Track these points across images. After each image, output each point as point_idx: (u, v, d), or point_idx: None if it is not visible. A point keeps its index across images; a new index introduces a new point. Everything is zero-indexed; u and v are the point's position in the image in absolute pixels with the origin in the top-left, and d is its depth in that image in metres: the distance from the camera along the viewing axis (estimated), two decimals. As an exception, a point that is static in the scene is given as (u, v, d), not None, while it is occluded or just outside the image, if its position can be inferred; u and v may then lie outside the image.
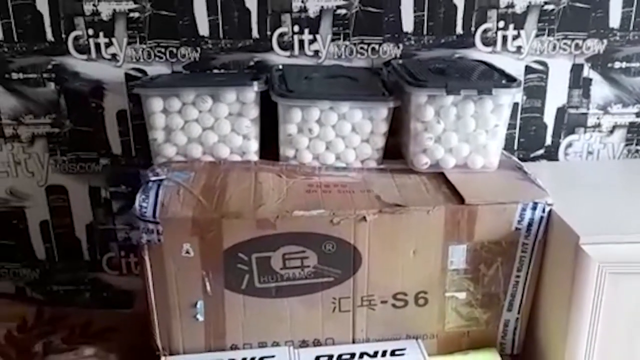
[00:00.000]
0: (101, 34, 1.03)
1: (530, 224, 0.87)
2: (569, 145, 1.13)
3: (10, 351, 0.93)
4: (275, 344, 0.91)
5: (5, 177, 1.11)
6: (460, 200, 0.86)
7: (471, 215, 0.86)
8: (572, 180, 1.05)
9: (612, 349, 0.84)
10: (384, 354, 0.90)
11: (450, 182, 0.91)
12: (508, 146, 1.12)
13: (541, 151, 1.14)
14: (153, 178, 0.87)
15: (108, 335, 0.98)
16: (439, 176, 0.94)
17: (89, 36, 1.03)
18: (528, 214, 0.87)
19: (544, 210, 0.87)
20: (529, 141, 1.13)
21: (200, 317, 0.88)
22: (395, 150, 1.00)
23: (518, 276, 0.91)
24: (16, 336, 0.97)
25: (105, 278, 1.20)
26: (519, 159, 1.10)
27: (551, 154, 1.14)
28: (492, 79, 0.94)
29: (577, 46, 1.07)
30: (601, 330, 0.83)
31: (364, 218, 0.84)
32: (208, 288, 0.87)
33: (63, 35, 1.03)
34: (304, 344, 0.92)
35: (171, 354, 0.90)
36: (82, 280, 1.19)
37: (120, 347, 0.96)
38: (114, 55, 1.04)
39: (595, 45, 1.07)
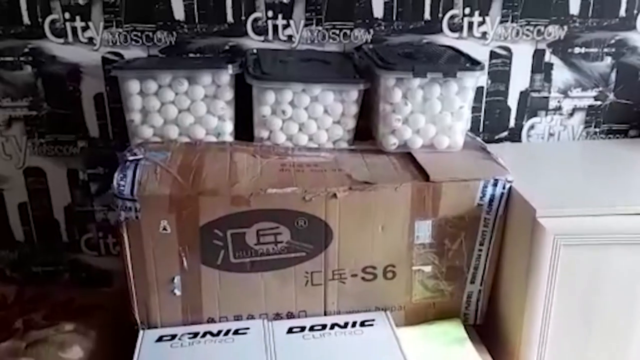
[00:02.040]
0: (78, 17, 1.04)
1: (491, 200, 0.92)
2: (532, 127, 1.19)
3: (-9, 327, 0.96)
4: (250, 317, 0.95)
5: (-18, 160, 1.13)
6: (426, 177, 0.91)
7: (436, 191, 0.91)
8: (533, 160, 1.10)
9: (568, 318, 0.89)
10: (353, 324, 0.94)
11: (418, 161, 0.96)
12: (474, 128, 1.17)
13: (505, 133, 1.19)
14: (131, 158, 0.90)
15: (88, 312, 1.01)
16: (407, 156, 0.98)
17: (65, 20, 1.05)
18: (489, 191, 0.92)
19: (504, 187, 0.92)
20: (494, 123, 1.18)
21: (178, 292, 0.92)
22: (366, 132, 1.04)
23: (480, 250, 0.96)
24: (-3, 313, 0.99)
25: (84, 259, 1.22)
26: (484, 140, 1.15)
27: (514, 136, 1.19)
28: (458, 63, 0.98)
29: (539, 32, 1.12)
30: (557, 299, 0.88)
31: (335, 195, 0.88)
32: (185, 263, 0.90)
33: (39, 19, 1.04)
34: (277, 317, 0.96)
35: (149, 328, 0.93)
36: (62, 261, 1.22)
37: (100, 324, 0.99)
38: (90, 39, 1.06)
39: (556, 32, 1.12)
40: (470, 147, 1.02)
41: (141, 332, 0.92)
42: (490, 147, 1.02)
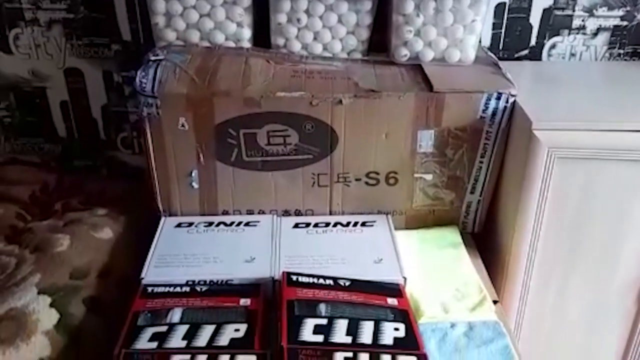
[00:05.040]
0: None
1: (494, 114, 0.95)
2: (553, 46, 1.18)
3: (34, 209, 1.08)
4: (261, 212, 1.04)
5: (27, 58, 1.21)
6: (430, 88, 0.94)
7: (439, 102, 0.94)
8: (549, 79, 1.10)
9: (558, 230, 0.93)
10: (355, 224, 1.01)
11: (426, 73, 0.98)
12: (493, 45, 1.17)
13: (525, 52, 1.18)
14: (153, 58, 0.97)
15: (119, 201, 1.12)
16: (417, 68, 1.01)
17: None
18: (492, 104, 0.94)
19: (507, 101, 0.94)
20: (514, 41, 1.17)
21: (195, 185, 1.00)
22: (383, 45, 1.06)
23: (481, 162, 1.00)
24: (39, 197, 1.11)
25: (120, 156, 1.32)
26: (503, 58, 1.16)
27: (535, 55, 1.19)
28: (472, -26, 0.98)
29: (566, -54, 1.09)
30: (548, 211, 0.92)
31: (340, 101, 0.93)
32: (201, 159, 0.98)
33: None
34: (286, 213, 1.04)
35: (170, 215, 1.03)
36: (100, 157, 1.32)
37: (128, 211, 1.09)
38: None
39: (585, -54, 1.09)
40: (482, 62, 1.03)
41: (163, 218, 1.03)
42: (508, 65, 1.02)
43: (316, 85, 0.95)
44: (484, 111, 0.95)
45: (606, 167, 0.87)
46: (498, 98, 0.94)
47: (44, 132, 1.30)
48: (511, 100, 0.94)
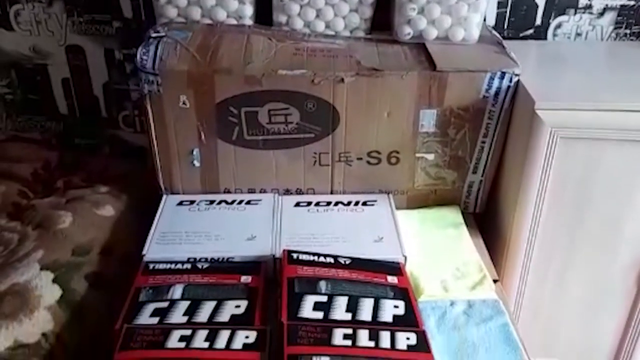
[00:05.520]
0: None
1: (497, 93, 0.94)
2: (558, 26, 1.16)
3: (36, 186, 1.08)
4: (263, 191, 1.04)
5: (28, 35, 1.21)
6: (433, 67, 0.93)
7: (442, 81, 0.93)
8: (554, 58, 1.09)
9: (560, 210, 0.93)
10: (356, 203, 1.01)
11: (429, 52, 0.98)
12: (498, 25, 1.16)
13: (530, 31, 1.17)
14: (153, 35, 0.96)
15: (121, 179, 1.12)
16: (420, 46, 1.00)
17: None
18: (496, 83, 0.94)
19: (511, 80, 0.93)
20: (519, 20, 1.16)
21: (197, 163, 1.00)
22: (387, 23, 1.05)
23: (484, 142, 0.99)
24: (41, 174, 1.11)
25: (121, 134, 1.32)
26: (508, 37, 1.15)
27: (540, 34, 1.17)
28: (478, -48, 0.97)
29: None
30: (550, 191, 0.92)
31: (342, 80, 0.92)
32: (203, 137, 0.98)
33: None
34: (287, 192, 1.04)
35: (172, 194, 1.03)
36: (101, 135, 1.32)
37: (130, 189, 1.09)
38: None
39: None
40: (487, 41, 1.02)
41: (164, 196, 1.03)
42: (513, 44, 1.01)
43: (318, 64, 0.94)
44: (487, 91, 0.94)
45: (609, 148, 0.87)
46: (501, 77, 0.93)
47: (45, 109, 1.30)
48: (515, 79, 0.93)
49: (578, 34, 1.17)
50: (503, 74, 0.93)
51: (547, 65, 1.05)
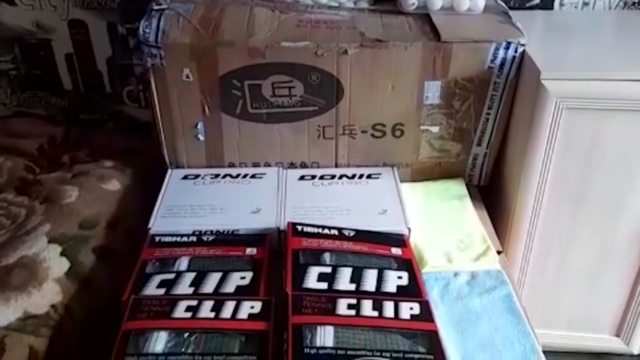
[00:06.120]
0: None
1: (502, 64, 0.93)
2: (566, -5, 1.15)
3: (42, 161, 1.09)
4: (267, 165, 1.04)
5: (30, 10, 1.20)
6: (438, 38, 0.92)
7: (446, 52, 0.93)
8: (560, 28, 1.08)
9: (564, 181, 0.93)
10: (360, 176, 1.01)
11: (434, 22, 0.96)
12: (504, -6, 1.14)
13: (537, 1, 1.15)
14: (156, 7, 0.95)
15: (126, 154, 1.12)
16: (424, 17, 0.99)
17: None
18: (501, 54, 0.93)
19: (516, 50, 0.92)
20: (526, -10, 1.15)
21: (201, 137, 1.00)
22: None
23: (489, 114, 0.99)
24: (47, 149, 1.12)
25: (126, 110, 1.32)
26: (515, 7, 1.13)
27: (547, 4, 1.16)
28: None
29: None
30: (554, 162, 0.91)
31: (346, 51, 0.92)
32: (207, 111, 0.98)
33: None
34: (292, 166, 1.04)
35: (177, 168, 1.04)
36: (106, 110, 1.32)
37: (135, 163, 1.10)
38: None
39: None
40: (492, 11, 1.01)
41: (169, 171, 1.03)
42: (519, 14, 1.00)
43: (321, 35, 0.93)
44: (492, 61, 0.93)
45: (615, 118, 0.86)
46: (507, 48, 0.92)
47: (49, 85, 1.30)
48: (520, 50, 0.92)
49: (585, 3, 1.15)
50: (508, 44, 0.92)
51: (554, 35, 1.04)
